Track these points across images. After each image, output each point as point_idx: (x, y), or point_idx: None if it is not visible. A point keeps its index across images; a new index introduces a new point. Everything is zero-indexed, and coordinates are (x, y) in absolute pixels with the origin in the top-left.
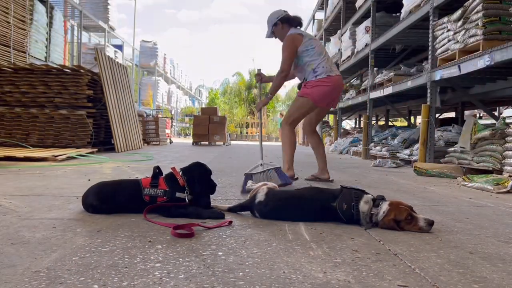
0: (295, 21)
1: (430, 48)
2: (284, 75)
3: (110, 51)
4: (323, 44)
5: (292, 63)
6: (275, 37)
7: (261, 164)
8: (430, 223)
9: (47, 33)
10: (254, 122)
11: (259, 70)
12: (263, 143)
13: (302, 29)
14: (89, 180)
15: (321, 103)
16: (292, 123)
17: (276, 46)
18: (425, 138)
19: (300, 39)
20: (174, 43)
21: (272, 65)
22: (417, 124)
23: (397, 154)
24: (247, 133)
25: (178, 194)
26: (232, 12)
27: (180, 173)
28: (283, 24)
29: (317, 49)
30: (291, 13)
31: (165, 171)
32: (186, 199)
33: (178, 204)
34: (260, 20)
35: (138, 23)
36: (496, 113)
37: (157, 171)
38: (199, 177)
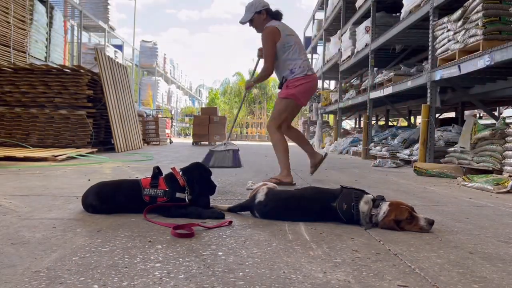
0: (279, 16)
1: (430, 48)
2: (267, 74)
3: (110, 51)
4: (301, 41)
5: (274, 58)
6: (251, 25)
7: (225, 143)
8: (431, 223)
9: (47, 33)
10: (254, 122)
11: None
12: (263, 143)
13: (303, 27)
14: (89, 180)
15: (304, 102)
16: (280, 126)
17: None
18: (425, 138)
19: (278, 34)
20: (174, 43)
21: None
22: (417, 124)
23: (397, 154)
24: (247, 133)
25: (178, 194)
26: (232, 12)
27: (180, 173)
28: (267, 15)
29: (294, 47)
30: (290, 12)
31: (165, 171)
32: (186, 199)
33: (178, 204)
34: None
35: (138, 23)
36: (496, 113)
37: (157, 171)
38: (198, 177)
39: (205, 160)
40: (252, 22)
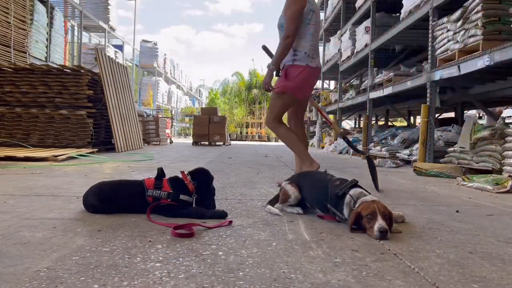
0: None
1: (429, 48)
2: (290, 41)
3: (110, 51)
4: (320, 25)
5: (298, 26)
6: None
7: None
8: (381, 230)
9: (47, 33)
10: (254, 122)
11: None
12: (263, 143)
13: None
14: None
15: (301, 96)
16: (280, 120)
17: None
18: (425, 138)
19: (305, 1)
20: (176, 41)
21: None
22: (417, 124)
23: (397, 154)
24: (247, 133)
25: (182, 197)
26: (235, 11)
27: (189, 177)
28: None
29: (312, 26)
30: None
31: (166, 170)
32: (193, 203)
33: (180, 204)
34: (265, 19)
35: (140, 21)
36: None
37: (160, 173)
38: (205, 182)
39: None
40: None
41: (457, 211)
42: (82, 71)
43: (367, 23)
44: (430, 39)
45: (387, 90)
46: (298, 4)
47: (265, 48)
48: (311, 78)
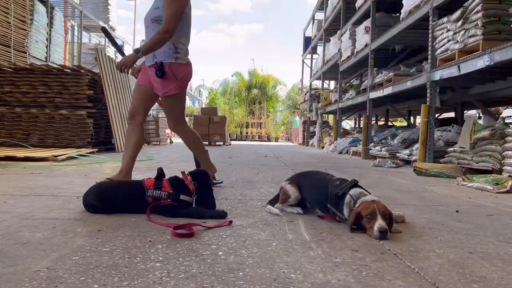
0: None
1: (429, 48)
2: (169, 36)
3: (110, 51)
4: None
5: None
6: None
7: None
8: (381, 230)
9: (47, 33)
10: (254, 122)
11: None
12: (263, 143)
13: (303, 28)
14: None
15: (185, 91)
16: (185, 122)
17: (276, 48)
18: (425, 138)
19: None
20: None
21: (272, 66)
22: (417, 124)
23: (397, 154)
24: (247, 133)
25: (182, 197)
26: (237, 10)
27: (189, 177)
28: None
29: (190, 25)
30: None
31: (166, 170)
32: (193, 203)
33: (180, 204)
34: (265, 19)
35: (140, 21)
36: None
37: (160, 173)
38: (205, 183)
39: None
40: None
41: (457, 211)
42: (82, 71)
43: (367, 23)
44: (430, 39)
45: (387, 90)
46: (181, 2)
47: (104, 30)
48: (192, 74)
